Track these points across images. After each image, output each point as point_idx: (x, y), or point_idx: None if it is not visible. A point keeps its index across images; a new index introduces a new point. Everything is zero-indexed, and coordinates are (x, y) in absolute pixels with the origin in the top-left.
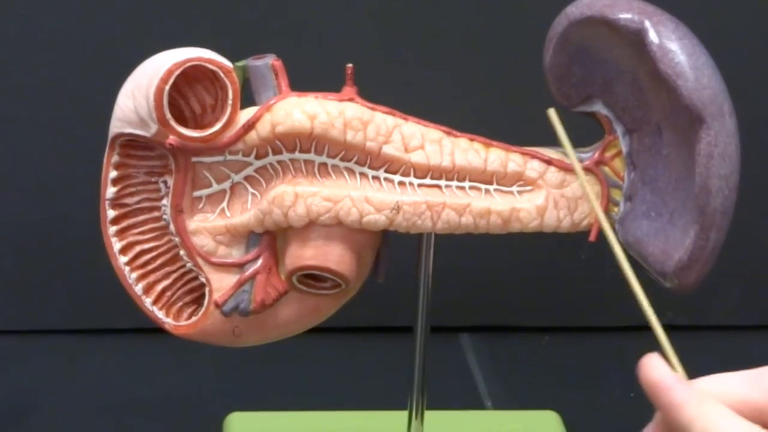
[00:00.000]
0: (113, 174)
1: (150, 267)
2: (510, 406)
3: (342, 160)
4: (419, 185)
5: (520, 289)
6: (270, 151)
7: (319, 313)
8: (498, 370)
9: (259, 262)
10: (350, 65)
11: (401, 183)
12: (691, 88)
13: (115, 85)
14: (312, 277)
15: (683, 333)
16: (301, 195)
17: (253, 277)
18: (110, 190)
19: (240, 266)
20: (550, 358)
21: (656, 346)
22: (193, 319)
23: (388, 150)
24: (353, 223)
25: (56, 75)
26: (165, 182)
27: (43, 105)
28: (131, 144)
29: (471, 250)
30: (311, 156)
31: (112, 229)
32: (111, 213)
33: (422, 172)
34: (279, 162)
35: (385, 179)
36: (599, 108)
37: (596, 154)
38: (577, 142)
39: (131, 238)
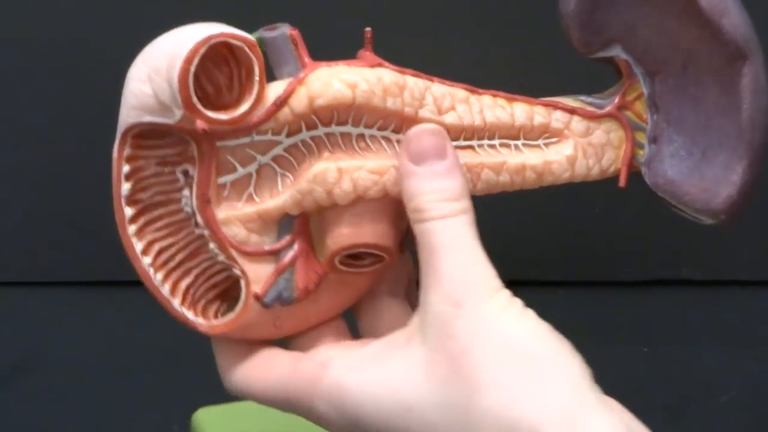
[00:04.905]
0: (126, 168)
1: (170, 265)
2: None
3: (379, 129)
4: (455, 147)
5: (535, 244)
6: (304, 126)
7: (358, 292)
8: None
9: (296, 247)
10: (369, 29)
11: None
12: (734, 24)
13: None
14: (352, 256)
15: (698, 288)
16: (345, 170)
17: (292, 263)
18: (125, 187)
19: (275, 254)
20: (565, 312)
21: (672, 302)
22: (231, 315)
23: (425, 114)
24: (399, 194)
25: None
26: (186, 172)
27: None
28: (142, 134)
29: (484, 206)
30: (348, 128)
31: (132, 228)
32: (128, 211)
33: (456, 133)
34: (312, 138)
35: None
36: (618, 52)
37: (617, 99)
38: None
39: (150, 236)
